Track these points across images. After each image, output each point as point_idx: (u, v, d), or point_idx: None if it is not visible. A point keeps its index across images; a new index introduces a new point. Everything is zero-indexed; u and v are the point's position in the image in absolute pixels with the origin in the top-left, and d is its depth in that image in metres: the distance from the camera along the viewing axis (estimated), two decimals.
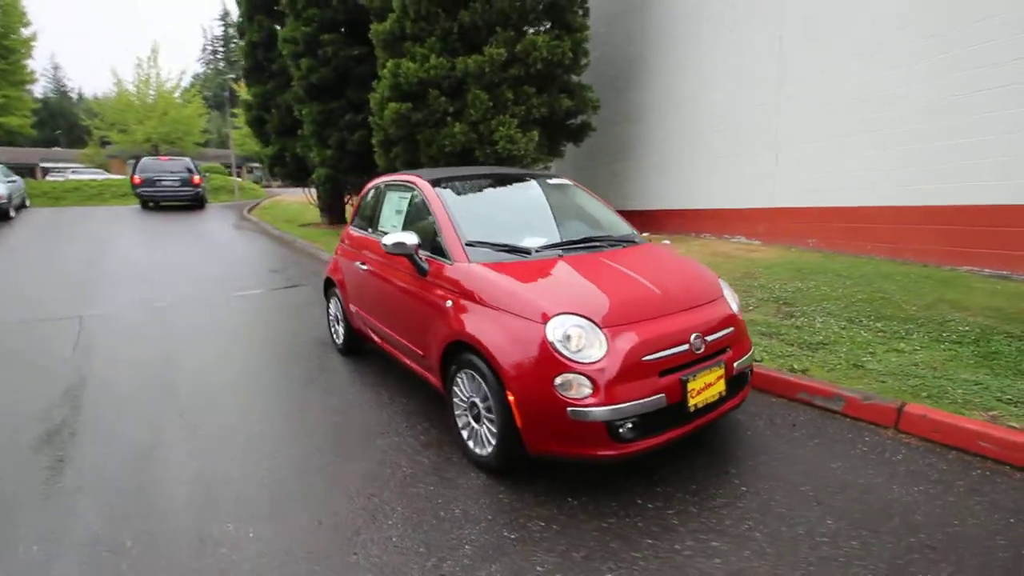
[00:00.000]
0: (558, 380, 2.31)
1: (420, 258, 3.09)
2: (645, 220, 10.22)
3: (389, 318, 3.59)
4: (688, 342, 2.51)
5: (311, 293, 7.54)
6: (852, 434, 2.95)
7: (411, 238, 3.07)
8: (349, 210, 17.81)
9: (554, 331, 2.37)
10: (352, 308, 4.25)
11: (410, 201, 3.56)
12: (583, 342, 2.34)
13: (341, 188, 13.77)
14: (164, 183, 16.28)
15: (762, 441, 2.92)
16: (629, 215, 11.15)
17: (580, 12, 9.35)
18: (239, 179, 31.72)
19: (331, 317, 4.90)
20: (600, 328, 2.39)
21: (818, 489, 2.45)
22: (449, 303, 2.84)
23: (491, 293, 2.64)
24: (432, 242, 3.14)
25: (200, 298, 6.87)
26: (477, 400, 2.71)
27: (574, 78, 9.52)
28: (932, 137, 5.60)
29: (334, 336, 4.88)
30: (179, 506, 2.43)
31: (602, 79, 10.90)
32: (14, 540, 2.20)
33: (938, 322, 4.14)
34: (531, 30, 9.34)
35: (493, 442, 2.61)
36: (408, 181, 3.67)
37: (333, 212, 17.15)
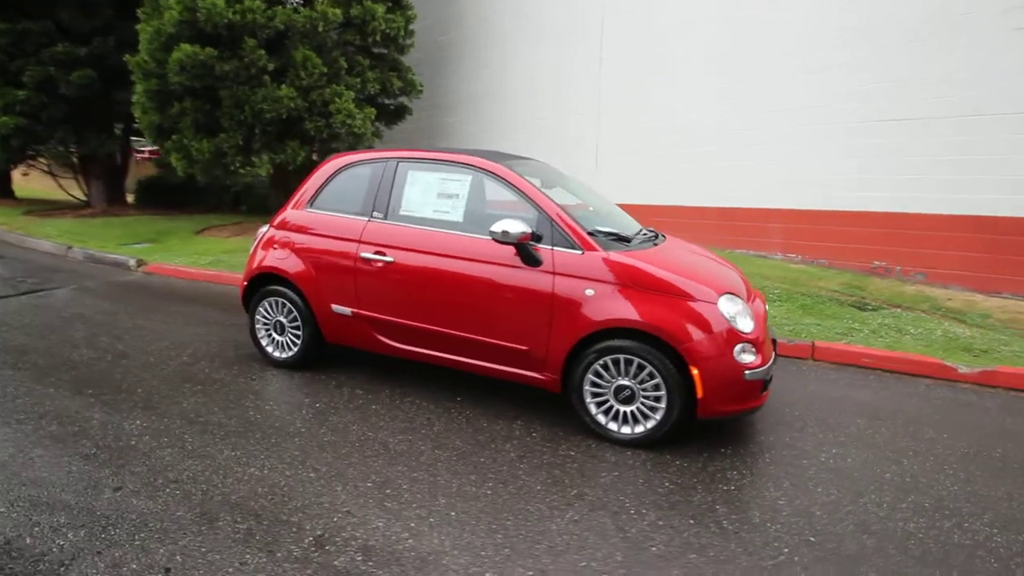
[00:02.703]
0: (736, 349, 2.70)
1: (531, 247, 2.91)
2: None
3: (445, 316, 3.17)
4: (764, 313, 3.24)
5: (92, 299, 5.54)
6: (795, 367, 4.24)
7: (521, 226, 2.87)
8: (20, 177, 12.32)
9: (726, 308, 2.74)
10: (342, 310, 3.46)
11: (470, 184, 3.20)
12: (744, 315, 2.79)
13: (26, 148, 9.46)
14: None
15: None
16: None
17: None
18: None
19: (268, 325, 3.81)
20: (746, 303, 2.87)
21: (836, 405, 3.51)
22: (590, 291, 2.82)
23: (651, 279, 2.79)
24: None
25: None
26: (629, 382, 2.82)
27: (401, 57, 9.12)
28: (719, 157, 7.79)
29: (269, 349, 3.83)
30: None
31: (410, 62, 10.69)
32: None
33: (759, 288, 6.04)
34: None
35: (656, 417, 2.79)
36: (461, 161, 3.26)
37: None
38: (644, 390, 2.82)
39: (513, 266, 2.99)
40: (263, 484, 2.44)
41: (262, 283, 3.81)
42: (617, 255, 2.88)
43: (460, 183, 3.24)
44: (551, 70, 9.30)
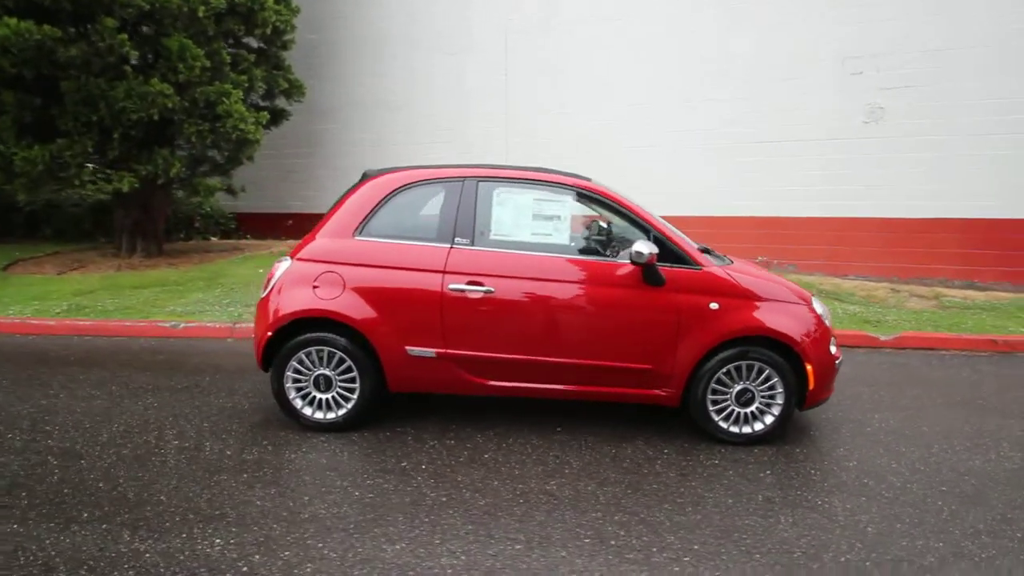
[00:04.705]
0: (830, 342, 3.12)
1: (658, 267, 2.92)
2: None
3: (558, 345, 2.99)
4: None
5: None
6: None
7: (650, 247, 2.87)
8: None
9: (818, 308, 3.13)
10: (423, 352, 2.98)
11: (570, 205, 3.05)
12: (827, 314, 3.22)
13: None
14: None
15: None
16: (305, 218, 10.46)
17: None
18: None
19: (304, 382, 3.08)
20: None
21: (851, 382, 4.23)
22: (715, 305, 2.96)
23: (762, 289, 3.04)
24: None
25: None
26: (750, 385, 3.04)
27: (284, 54, 7.97)
28: (625, 170, 8.49)
29: (307, 411, 3.12)
30: None
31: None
32: None
33: None
34: None
35: (774, 413, 3.05)
36: (554, 180, 3.09)
37: None
38: (760, 391, 3.07)
39: (635, 287, 2.98)
40: (478, 571, 2.03)
41: (293, 331, 3.07)
42: (730, 270, 3.09)
43: (560, 204, 3.09)
44: (453, 81, 9.12)
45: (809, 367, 3.03)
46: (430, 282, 3.00)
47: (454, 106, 9.16)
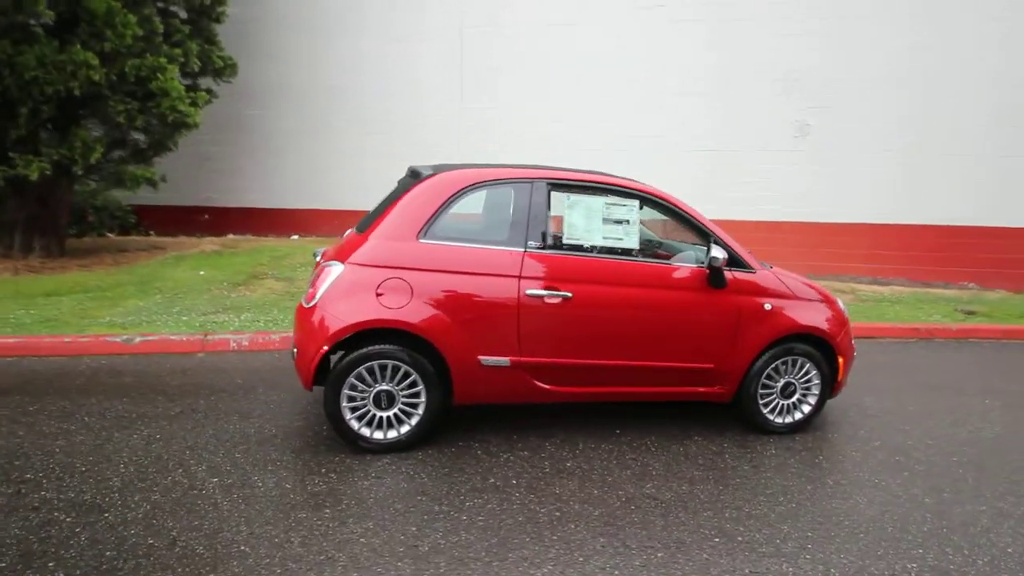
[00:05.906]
0: (852, 334, 3.47)
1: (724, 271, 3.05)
2: (260, 219, 9.13)
3: (631, 349, 3.02)
4: None
5: None
6: None
7: (723, 252, 3.00)
8: None
9: (840, 306, 3.47)
10: (497, 361, 2.83)
11: (638, 210, 3.06)
12: (846, 311, 3.58)
13: None
14: None
15: None
16: (226, 213, 9.58)
17: None
18: None
19: (363, 400, 2.78)
20: None
21: None
22: (768, 306, 3.15)
23: (800, 291, 3.29)
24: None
25: None
26: (792, 379, 3.29)
27: (217, 27, 7.04)
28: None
29: (365, 432, 2.84)
30: None
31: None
32: None
33: None
34: None
35: (811, 402, 3.33)
36: (620, 185, 3.10)
37: None
38: (800, 383, 3.35)
39: (701, 289, 3.09)
40: None
41: (353, 344, 2.76)
42: (777, 272, 3.32)
43: (628, 208, 3.09)
44: (405, 71, 8.71)
45: (841, 359, 3.36)
46: (507, 288, 2.86)
47: (408, 96, 8.75)
